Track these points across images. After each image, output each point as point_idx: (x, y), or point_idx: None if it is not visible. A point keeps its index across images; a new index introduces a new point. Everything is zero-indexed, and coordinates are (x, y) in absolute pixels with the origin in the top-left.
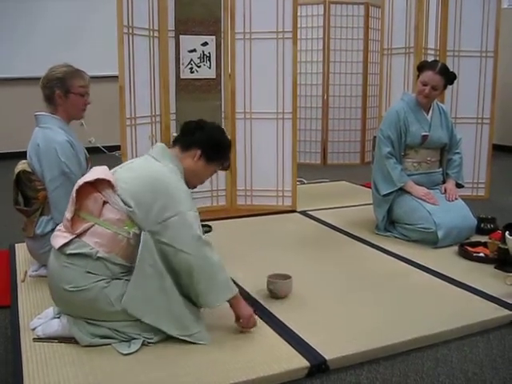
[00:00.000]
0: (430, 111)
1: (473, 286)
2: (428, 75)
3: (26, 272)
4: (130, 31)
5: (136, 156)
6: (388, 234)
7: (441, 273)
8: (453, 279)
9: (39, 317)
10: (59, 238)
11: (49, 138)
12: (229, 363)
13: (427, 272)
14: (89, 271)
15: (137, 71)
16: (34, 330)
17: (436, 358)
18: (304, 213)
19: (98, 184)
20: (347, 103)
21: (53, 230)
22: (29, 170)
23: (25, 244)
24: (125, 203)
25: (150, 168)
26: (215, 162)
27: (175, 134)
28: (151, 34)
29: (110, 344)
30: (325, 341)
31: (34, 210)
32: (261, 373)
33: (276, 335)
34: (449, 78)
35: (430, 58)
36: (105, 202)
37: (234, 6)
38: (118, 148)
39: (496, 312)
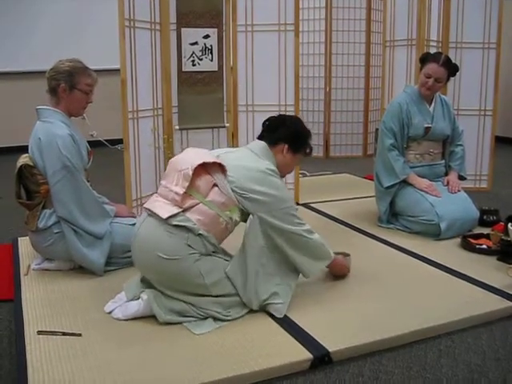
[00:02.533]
0: (433, 103)
1: (475, 277)
2: (431, 67)
3: (29, 265)
4: (132, 24)
5: (138, 149)
6: (390, 226)
7: (443, 265)
8: (455, 271)
9: (113, 301)
10: (163, 208)
11: (50, 132)
12: (232, 355)
13: (430, 264)
14: (189, 244)
15: (138, 64)
16: (110, 312)
17: (439, 350)
18: (306, 205)
19: (209, 166)
20: (349, 95)
21: (55, 223)
22: (31, 163)
23: (28, 238)
24: (235, 190)
25: (260, 165)
26: (300, 151)
27: (177, 127)
28: (153, 26)
29: (182, 323)
30: (328, 333)
31: (37, 203)
32: (264, 365)
33: (279, 327)
34: (452, 70)
35: (433, 50)
36: (214, 185)
37: None
38: (120, 141)
39: (499, 304)
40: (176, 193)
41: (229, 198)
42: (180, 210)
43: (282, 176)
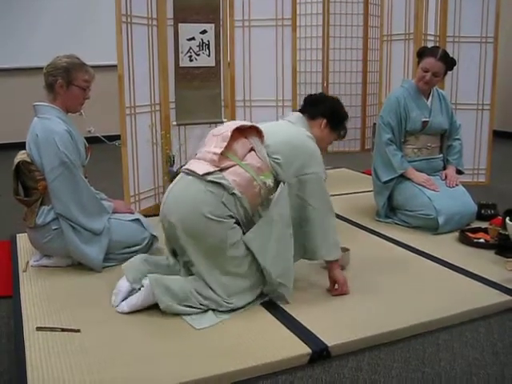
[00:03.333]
0: (430, 97)
1: (473, 271)
2: (429, 62)
3: (27, 262)
4: (129, 20)
5: (136, 145)
6: (389, 220)
7: (441, 259)
8: (453, 265)
9: (115, 292)
10: (200, 166)
11: (48, 129)
12: (230, 350)
13: (428, 258)
14: (223, 202)
15: (136, 60)
16: (117, 306)
17: (437, 344)
18: None
19: (247, 131)
20: (347, 90)
21: (53, 219)
22: (28, 160)
23: (26, 234)
24: (269, 155)
25: (294, 131)
26: (337, 130)
27: (175, 123)
28: (150, 22)
29: (182, 315)
30: (326, 327)
31: (35, 200)
32: (262, 359)
33: (277, 322)
34: (449, 64)
35: (430, 44)
36: (250, 149)
37: None
38: (117, 137)
39: (496, 297)
40: (214, 153)
41: (264, 163)
42: (217, 168)
43: None
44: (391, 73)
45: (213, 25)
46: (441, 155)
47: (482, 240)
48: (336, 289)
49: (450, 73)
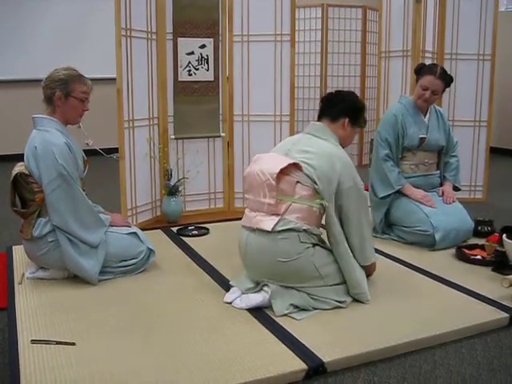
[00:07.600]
0: (428, 114)
1: (470, 288)
2: (428, 80)
3: (23, 274)
4: (128, 33)
5: (134, 158)
6: (385, 236)
7: (438, 275)
8: (450, 282)
9: (230, 292)
10: (265, 221)
11: (46, 141)
12: (226, 365)
13: (424, 274)
14: (302, 241)
15: (135, 74)
16: (230, 303)
17: (433, 361)
18: None
19: (287, 168)
20: None
21: (50, 231)
22: (26, 172)
23: (22, 246)
24: (311, 180)
25: (324, 147)
26: (358, 123)
27: (173, 137)
28: (149, 36)
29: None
30: (322, 343)
31: (32, 212)
32: (258, 375)
33: (274, 337)
34: (447, 81)
35: (428, 61)
36: (296, 182)
37: (232, 9)
38: (115, 150)
39: (493, 314)
40: (269, 204)
41: (312, 189)
42: (279, 217)
43: (343, 147)
44: (389, 89)
45: (212, 39)
46: (438, 171)
47: (478, 257)
48: None
49: (447, 89)
